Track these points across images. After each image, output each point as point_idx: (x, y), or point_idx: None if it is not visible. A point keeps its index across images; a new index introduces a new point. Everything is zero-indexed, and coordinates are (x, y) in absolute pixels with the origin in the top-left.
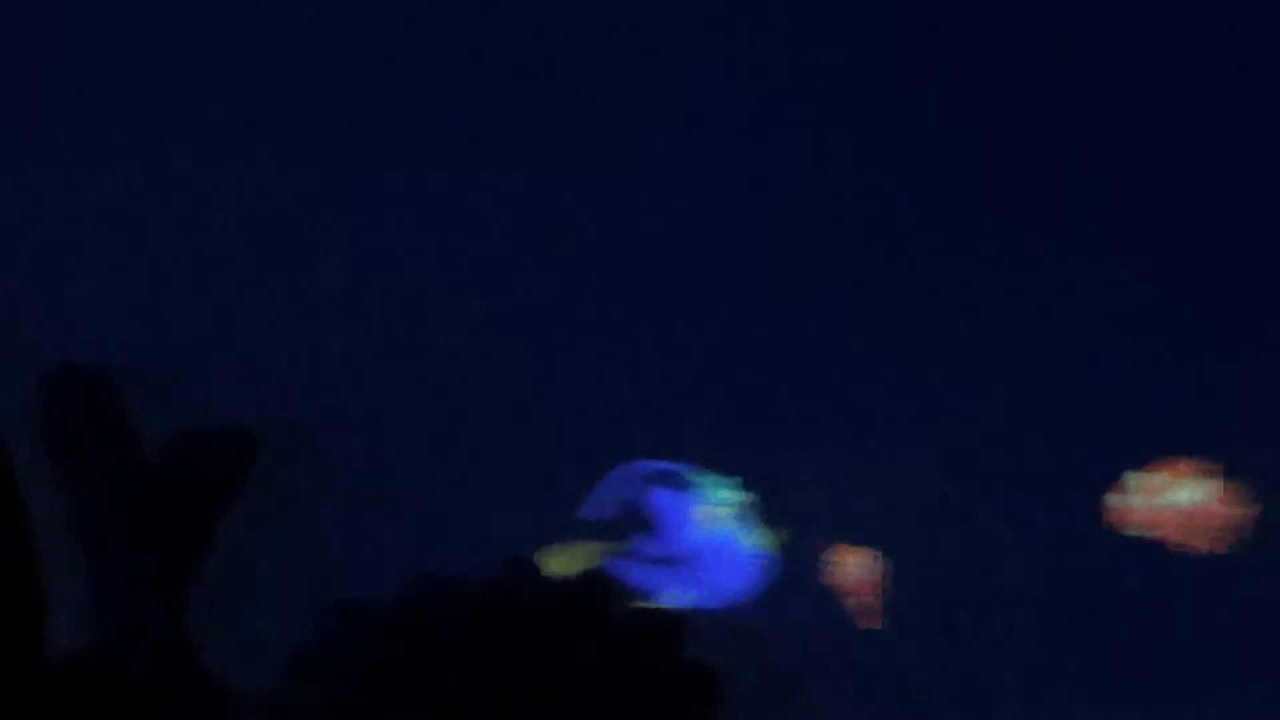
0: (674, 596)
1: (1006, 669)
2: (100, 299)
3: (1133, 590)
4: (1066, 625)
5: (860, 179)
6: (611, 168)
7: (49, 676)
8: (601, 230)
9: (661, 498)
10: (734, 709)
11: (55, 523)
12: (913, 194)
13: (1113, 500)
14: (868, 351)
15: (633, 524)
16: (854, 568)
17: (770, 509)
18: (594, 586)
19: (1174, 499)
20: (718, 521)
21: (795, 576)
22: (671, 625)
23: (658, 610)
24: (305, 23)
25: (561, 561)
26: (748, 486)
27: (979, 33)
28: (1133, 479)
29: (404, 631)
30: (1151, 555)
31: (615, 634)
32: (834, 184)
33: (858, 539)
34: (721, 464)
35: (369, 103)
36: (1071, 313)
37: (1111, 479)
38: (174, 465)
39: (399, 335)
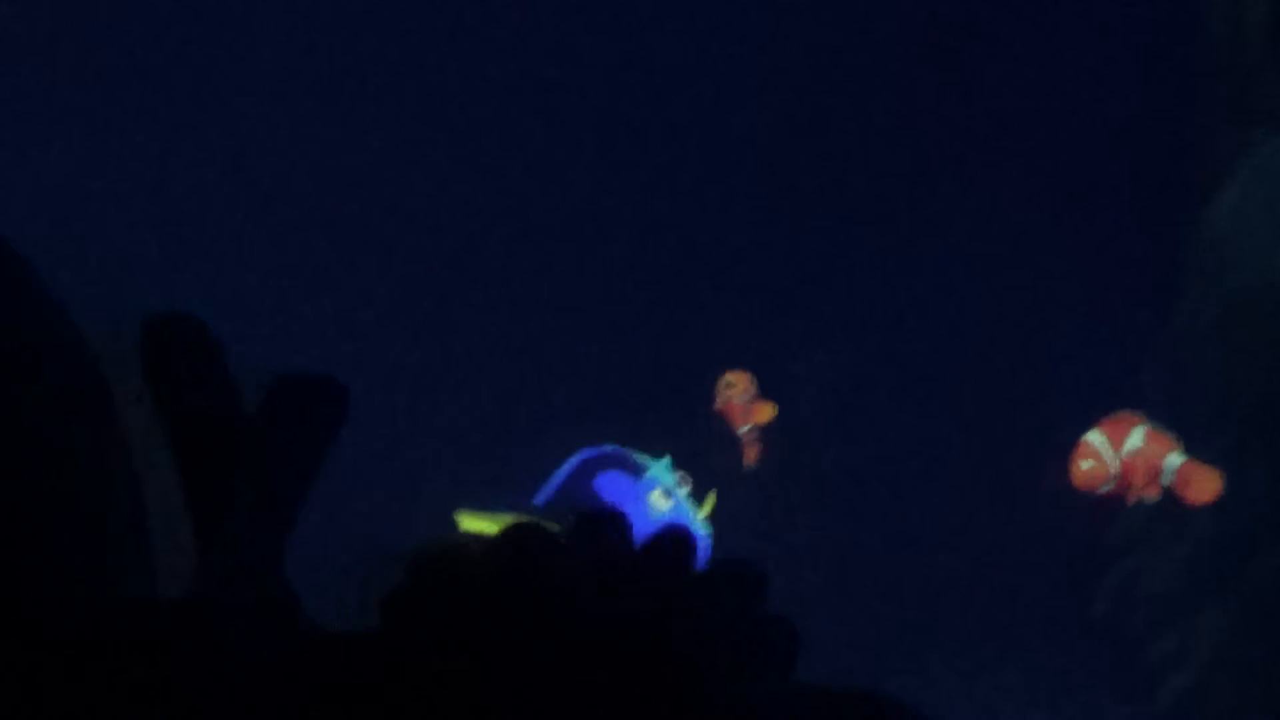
0: None
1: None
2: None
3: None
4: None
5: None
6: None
7: (155, 620)
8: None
9: (610, 481)
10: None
11: (158, 469)
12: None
13: (1078, 461)
14: (788, 326)
15: (582, 506)
16: (744, 392)
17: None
18: (676, 540)
19: (1129, 451)
20: (666, 502)
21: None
22: (748, 575)
23: (734, 561)
24: None
25: (484, 526)
26: (685, 465)
27: None
28: (1091, 438)
29: (505, 585)
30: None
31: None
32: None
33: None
34: (664, 445)
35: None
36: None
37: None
38: (270, 412)
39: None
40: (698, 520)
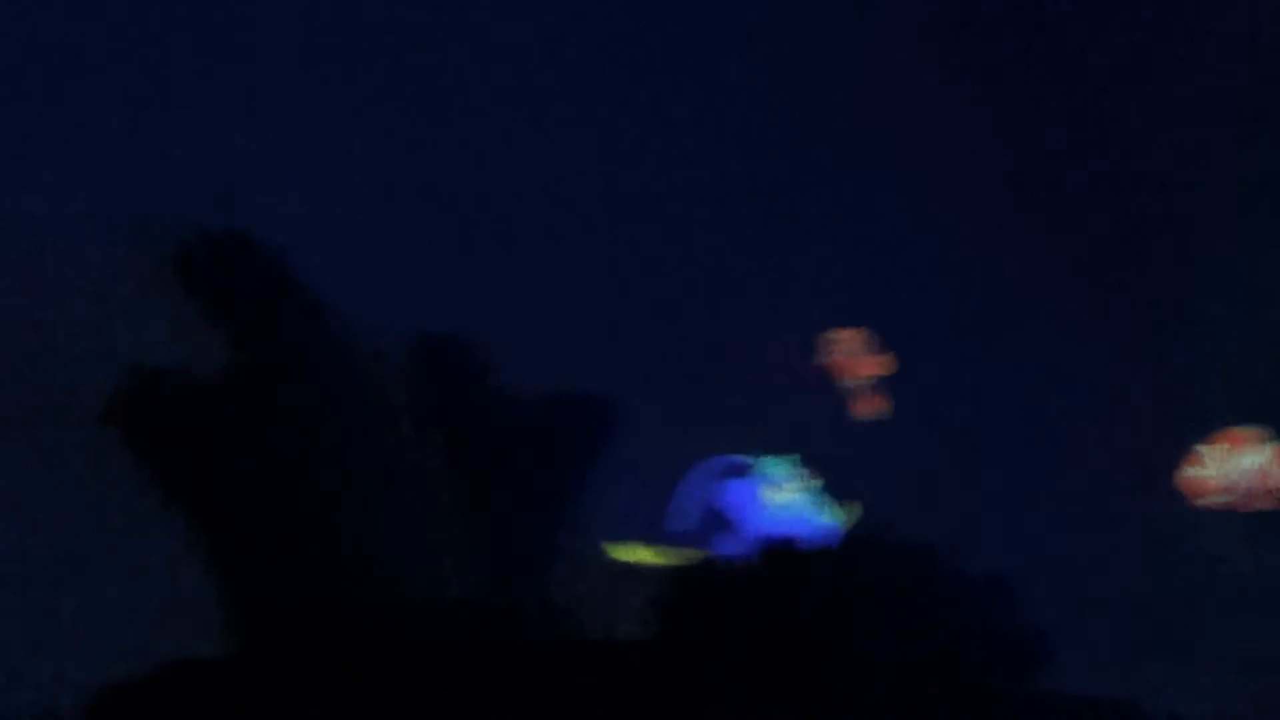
0: None
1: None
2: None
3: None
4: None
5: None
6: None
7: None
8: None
9: (730, 490)
10: None
11: (445, 489)
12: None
13: (1187, 472)
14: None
15: (713, 523)
16: (852, 347)
17: (834, 482)
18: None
19: (1241, 466)
20: (790, 503)
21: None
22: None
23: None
24: None
25: (651, 558)
26: (808, 463)
27: None
28: (1204, 451)
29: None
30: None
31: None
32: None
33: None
34: (780, 446)
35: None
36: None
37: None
38: (548, 431)
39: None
40: (826, 515)
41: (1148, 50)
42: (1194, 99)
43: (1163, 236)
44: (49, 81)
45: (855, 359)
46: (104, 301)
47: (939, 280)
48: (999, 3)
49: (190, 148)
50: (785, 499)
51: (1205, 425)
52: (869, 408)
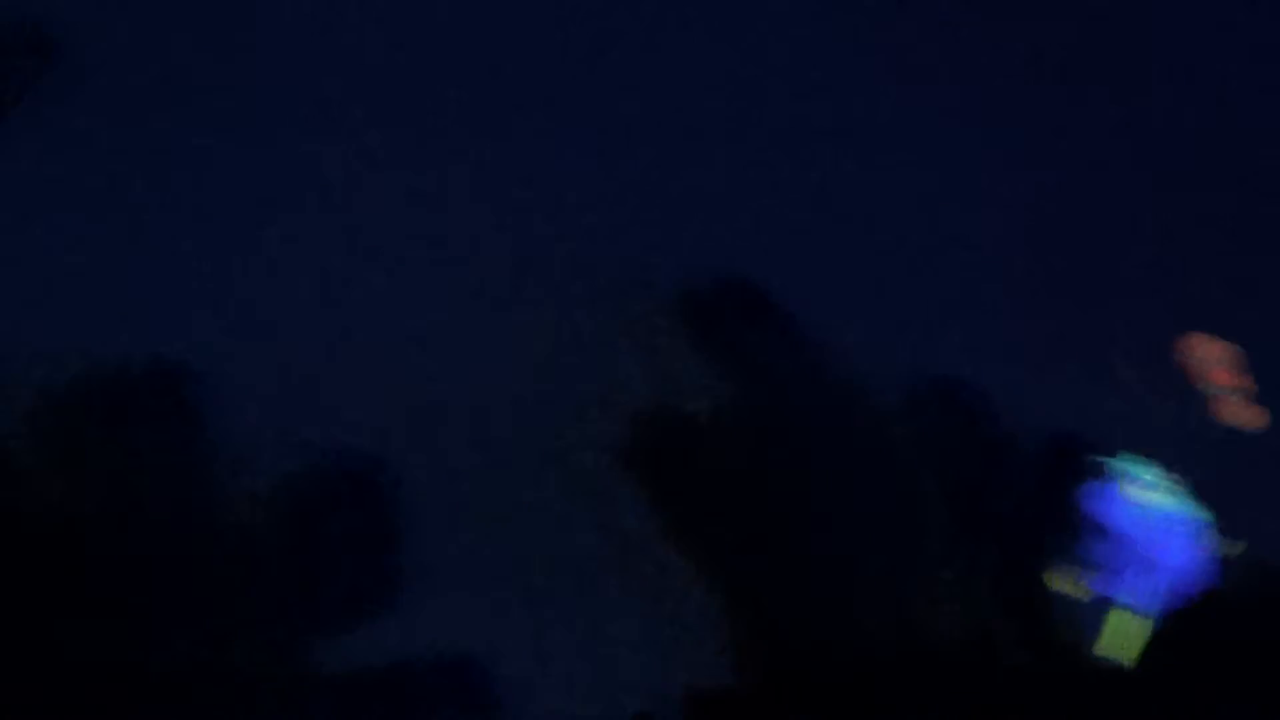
0: (1142, 593)
1: None
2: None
3: None
4: None
5: None
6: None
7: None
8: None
9: (1100, 496)
10: None
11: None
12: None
13: None
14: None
15: (1088, 531)
16: (1210, 356)
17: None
18: None
19: None
20: (1160, 505)
21: None
22: None
23: None
24: None
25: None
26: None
27: None
28: None
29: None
30: None
31: None
32: None
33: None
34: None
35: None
36: None
37: None
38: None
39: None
40: (1195, 518)
41: None
42: None
43: None
44: (527, 117)
45: (1211, 367)
46: (588, 332)
47: None
48: None
49: (670, 184)
50: (1155, 501)
51: None
52: (1232, 412)
